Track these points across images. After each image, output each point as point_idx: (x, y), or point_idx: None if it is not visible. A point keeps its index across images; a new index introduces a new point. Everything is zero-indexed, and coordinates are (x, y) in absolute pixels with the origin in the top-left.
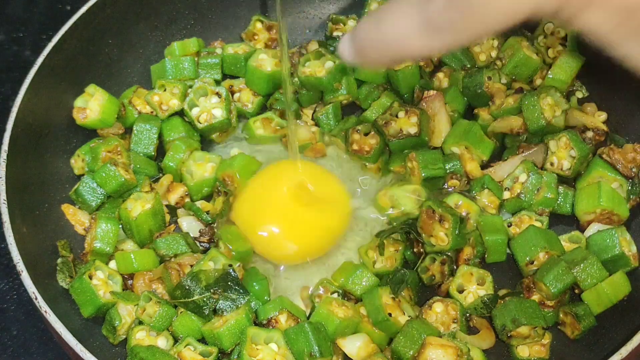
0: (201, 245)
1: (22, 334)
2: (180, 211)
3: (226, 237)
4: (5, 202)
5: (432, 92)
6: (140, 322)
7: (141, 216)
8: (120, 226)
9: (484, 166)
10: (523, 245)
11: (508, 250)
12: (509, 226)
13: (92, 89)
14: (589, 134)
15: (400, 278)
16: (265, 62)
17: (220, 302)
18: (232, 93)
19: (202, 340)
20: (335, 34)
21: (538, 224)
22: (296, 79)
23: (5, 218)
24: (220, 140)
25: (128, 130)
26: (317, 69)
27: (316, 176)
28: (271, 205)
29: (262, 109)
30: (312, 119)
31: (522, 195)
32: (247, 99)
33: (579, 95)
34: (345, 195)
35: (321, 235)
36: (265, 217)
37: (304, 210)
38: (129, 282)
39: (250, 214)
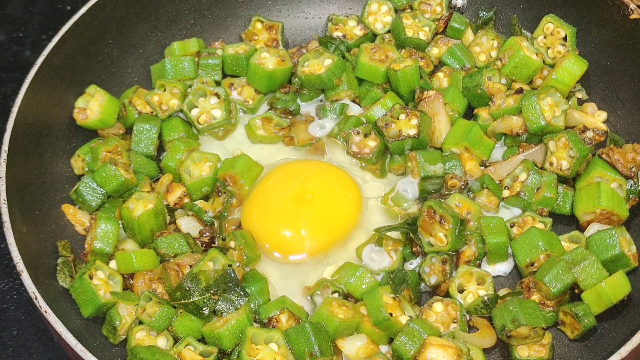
0: (202, 245)
1: (22, 334)
2: (177, 212)
3: (240, 241)
4: (5, 202)
5: (432, 92)
6: (140, 322)
7: (143, 216)
8: (121, 226)
9: (483, 166)
10: (523, 247)
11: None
12: (511, 226)
13: (92, 89)
14: (589, 133)
15: (401, 278)
16: (267, 61)
17: (220, 303)
18: (232, 89)
19: (202, 340)
20: (335, 34)
21: (541, 226)
22: (296, 79)
23: (5, 218)
24: (222, 138)
25: (128, 131)
26: (316, 67)
27: (324, 171)
28: (286, 205)
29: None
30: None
31: (522, 194)
32: (249, 95)
33: (579, 96)
34: (354, 185)
35: (338, 223)
36: (283, 219)
37: (316, 206)
38: (130, 281)
39: (266, 217)
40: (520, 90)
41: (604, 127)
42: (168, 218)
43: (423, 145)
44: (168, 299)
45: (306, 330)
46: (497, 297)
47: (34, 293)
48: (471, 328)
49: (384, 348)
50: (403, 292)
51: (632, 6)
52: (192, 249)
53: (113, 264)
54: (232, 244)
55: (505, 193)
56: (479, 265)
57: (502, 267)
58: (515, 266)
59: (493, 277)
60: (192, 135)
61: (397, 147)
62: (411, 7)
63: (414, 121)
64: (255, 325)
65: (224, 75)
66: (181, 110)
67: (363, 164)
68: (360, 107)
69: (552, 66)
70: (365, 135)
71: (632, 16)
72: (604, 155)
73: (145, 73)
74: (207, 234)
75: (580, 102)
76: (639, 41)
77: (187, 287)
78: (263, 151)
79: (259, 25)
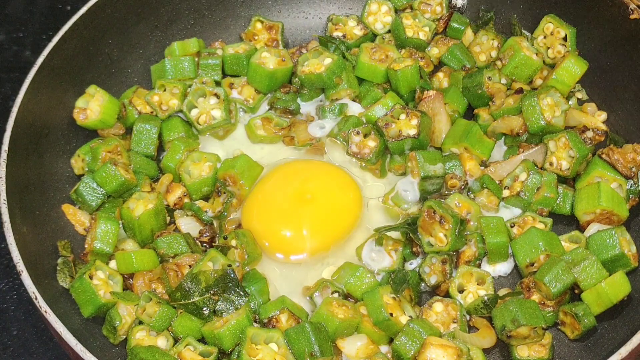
0: (202, 245)
1: (22, 334)
2: (176, 213)
3: (242, 239)
4: (5, 202)
5: (432, 92)
6: (140, 322)
7: (143, 216)
8: (121, 226)
9: (483, 166)
10: (524, 247)
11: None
12: (512, 226)
13: (92, 89)
14: (589, 134)
15: (402, 278)
16: (268, 60)
17: (220, 303)
18: (232, 89)
19: (202, 340)
20: (335, 34)
21: (541, 226)
22: (296, 79)
23: (5, 218)
24: (222, 138)
25: (128, 131)
26: (316, 66)
27: (324, 171)
28: (287, 205)
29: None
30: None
31: (522, 194)
32: (249, 95)
33: (579, 96)
34: (354, 185)
35: (338, 223)
36: (283, 218)
37: (316, 205)
38: (130, 281)
39: (266, 217)
40: (520, 90)
41: (604, 127)
42: (168, 218)
43: (423, 145)
44: (168, 299)
45: (306, 330)
46: (497, 297)
47: (34, 293)
48: (471, 328)
49: (384, 348)
50: (404, 292)
51: (632, 6)
52: (191, 249)
53: (113, 264)
54: (233, 242)
55: (506, 193)
56: (479, 265)
57: (502, 267)
58: (515, 266)
59: (493, 277)
60: (192, 135)
61: (397, 147)
62: (411, 7)
63: (414, 121)
64: (255, 325)
65: (224, 75)
66: (181, 111)
67: (363, 164)
68: (362, 106)
69: (552, 66)
70: (365, 136)
71: (632, 16)
72: (604, 155)
73: (145, 73)
74: (207, 234)
75: (580, 102)
76: (639, 41)
77: (187, 287)
78: (263, 151)
79: (259, 25)
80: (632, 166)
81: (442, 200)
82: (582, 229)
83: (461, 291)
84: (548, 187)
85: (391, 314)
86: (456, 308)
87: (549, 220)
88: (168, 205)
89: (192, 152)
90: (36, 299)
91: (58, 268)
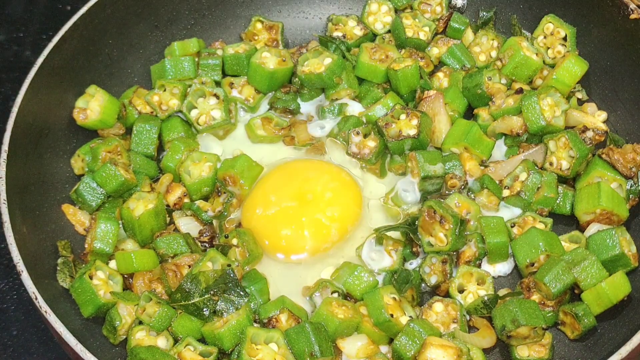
0: (202, 245)
1: (22, 334)
2: (175, 213)
3: (244, 238)
4: (5, 202)
5: (432, 92)
6: (140, 322)
7: (143, 216)
8: (121, 226)
9: (483, 166)
10: (524, 247)
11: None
12: (512, 226)
13: (92, 89)
14: (589, 133)
15: (405, 278)
16: (268, 60)
17: (220, 303)
18: (232, 89)
19: (202, 340)
20: (335, 34)
21: (541, 226)
22: (296, 79)
23: (5, 218)
24: (222, 137)
25: (128, 131)
26: (316, 66)
27: (324, 170)
28: (287, 205)
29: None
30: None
31: (522, 193)
32: (249, 94)
33: (579, 96)
34: (355, 184)
35: (338, 223)
36: (283, 218)
37: (316, 205)
38: (130, 281)
39: (266, 216)
40: (520, 90)
41: (604, 127)
42: (168, 219)
43: (423, 145)
44: (168, 299)
45: (306, 330)
46: (497, 297)
47: (34, 293)
48: (471, 328)
49: (384, 348)
50: (406, 292)
51: (632, 6)
52: (191, 249)
53: (113, 264)
54: (234, 241)
55: (506, 193)
56: (479, 265)
57: (502, 267)
58: (515, 266)
59: (493, 277)
60: (192, 135)
61: (397, 147)
62: (411, 7)
63: (414, 121)
64: (255, 325)
65: (224, 75)
66: (181, 111)
67: (363, 164)
68: (362, 105)
69: (552, 66)
70: (365, 136)
71: (632, 16)
72: (604, 155)
73: (145, 73)
74: (207, 234)
75: (580, 102)
76: (639, 41)
77: (187, 288)
78: (263, 151)
79: (259, 25)
80: (632, 166)
81: (442, 200)
82: (582, 229)
83: (461, 291)
84: (548, 187)
85: (392, 315)
86: (456, 308)
87: (549, 220)
88: (168, 206)
89: (192, 152)
90: (36, 299)
91: (58, 268)
